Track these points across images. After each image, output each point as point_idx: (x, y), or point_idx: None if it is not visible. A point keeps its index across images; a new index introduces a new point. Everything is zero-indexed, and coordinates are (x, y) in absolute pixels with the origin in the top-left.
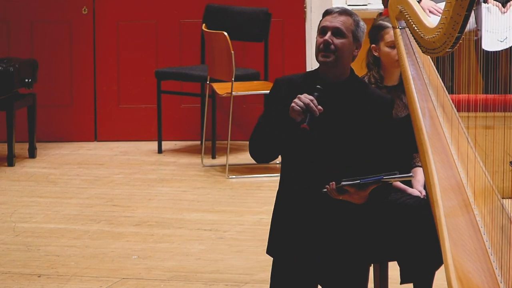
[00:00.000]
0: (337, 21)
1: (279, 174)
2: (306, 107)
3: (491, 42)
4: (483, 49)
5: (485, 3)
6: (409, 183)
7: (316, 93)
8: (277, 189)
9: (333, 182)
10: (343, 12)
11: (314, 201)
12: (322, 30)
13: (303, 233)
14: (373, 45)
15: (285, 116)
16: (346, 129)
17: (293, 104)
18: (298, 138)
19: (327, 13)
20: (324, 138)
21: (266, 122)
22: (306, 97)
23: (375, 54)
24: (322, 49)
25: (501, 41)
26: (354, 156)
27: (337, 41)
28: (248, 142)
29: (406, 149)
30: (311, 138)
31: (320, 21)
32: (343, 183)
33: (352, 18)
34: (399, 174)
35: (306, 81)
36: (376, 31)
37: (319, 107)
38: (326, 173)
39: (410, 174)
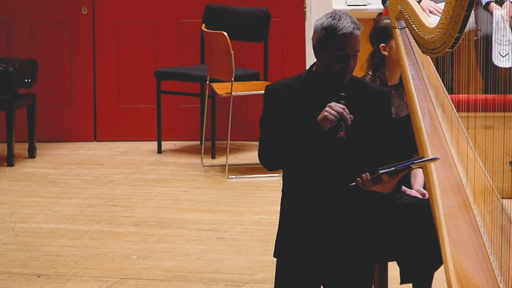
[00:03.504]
0: (357, 46)
1: (279, 175)
2: (340, 115)
3: (497, 56)
4: (495, 65)
5: (486, 9)
6: (409, 184)
7: (343, 101)
8: (282, 193)
9: (367, 174)
10: (357, 29)
11: (325, 202)
12: (343, 57)
13: (314, 236)
14: (383, 44)
15: (294, 122)
16: (354, 127)
17: (326, 114)
18: (322, 145)
19: (345, 35)
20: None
21: (275, 129)
22: (337, 106)
23: (384, 53)
24: (345, 73)
25: (502, 56)
26: (364, 153)
27: (355, 60)
28: (246, 142)
29: (406, 149)
30: (323, 141)
31: (333, 36)
32: (381, 171)
33: (361, 30)
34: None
35: (304, 83)
36: (385, 30)
37: (350, 115)
38: (336, 173)
39: (436, 156)
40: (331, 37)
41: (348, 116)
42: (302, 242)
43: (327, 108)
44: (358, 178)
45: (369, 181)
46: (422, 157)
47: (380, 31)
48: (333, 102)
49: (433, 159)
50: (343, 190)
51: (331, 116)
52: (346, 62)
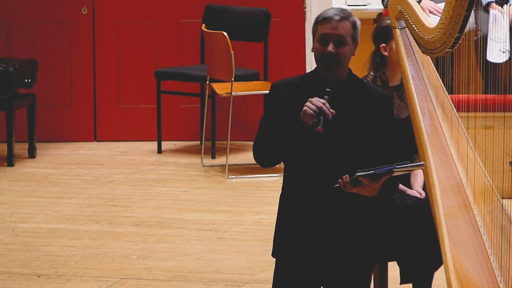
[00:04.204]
0: (338, 30)
1: (279, 174)
2: (319, 110)
3: (494, 53)
4: (488, 60)
5: (487, 10)
6: (409, 184)
7: (326, 96)
8: (281, 191)
9: (347, 175)
10: (342, 18)
11: (323, 202)
12: (322, 39)
13: (311, 235)
14: (383, 45)
15: (292, 120)
16: (352, 128)
17: (305, 108)
18: (308, 141)
19: (325, 19)
20: (331, 139)
21: (272, 127)
22: (318, 101)
23: (385, 53)
24: (325, 60)
25: (503, 52)
26: (362, 154)
27: (340, 50)
28: (246, 142)
29: (406, 150)
30: (319, 140)
31: (317, 25)
32: (358, 174)
33: (350, 22)
34: (410, 163)
35: (306, 83)
36: (386, 30)
37: (331, 110)
38: (335, 173)
39: (422, 162)
40: (316, 24)
41: (328, 111)
42: (300, 242)
43: (307, 103)
44: (339, 180)
45: (348, 183)
46: (406, 163)
47: (381, 31)
48: (315, 97)
49: (418, 165)
50: (341, 190)
51: (310, 110)
52: (325, 44)
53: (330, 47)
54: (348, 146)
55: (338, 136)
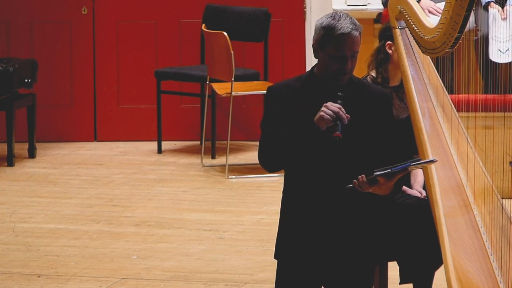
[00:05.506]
0: (355, 46)
1: (279, 175)
2: (336, 115)
3: (496, 52)
4: (490, 59)
5: (486, 9)
6: (409, 184)
7: (340, 101)
8: (282, 194)
9: (363, 175)
10: (358, 32)
11: (326, 204)
12: (341, 56)
13: (315, 237)
14: (389, 42)
15: (295, 122)
16: (356, 129)
17: (322, 113)
18: (321, 145)
19: (343, 36)
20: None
21: (275, 130)
22: (334, 105)
23: (389, 51)
24: (340, 74)
25: (502, 52)
26: (366, 155)
27: (353, 62)
28: (246, 142)
29: (406, 151)
30: (321, 141)
31: (330, 37)
32: (376, 173)
33: (360, 32)
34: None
35: (305, 84)
36: None
37: (347, 114)
38: (339, 174)
39: (433, 159)
40: (329, 37)
41: (344, 115)
42: (303, 244)
43: (323, 108)
44: (354, 180)
45: (365, 183)
46: (419, 159)
47: (386, 30)
48: (330, 102)
49: (431, 162)
50: (344, 191)
51: (327, 116)
52: (343, 62)
53: (349, 65)
54: (353, 148)
55: (344, 138)
